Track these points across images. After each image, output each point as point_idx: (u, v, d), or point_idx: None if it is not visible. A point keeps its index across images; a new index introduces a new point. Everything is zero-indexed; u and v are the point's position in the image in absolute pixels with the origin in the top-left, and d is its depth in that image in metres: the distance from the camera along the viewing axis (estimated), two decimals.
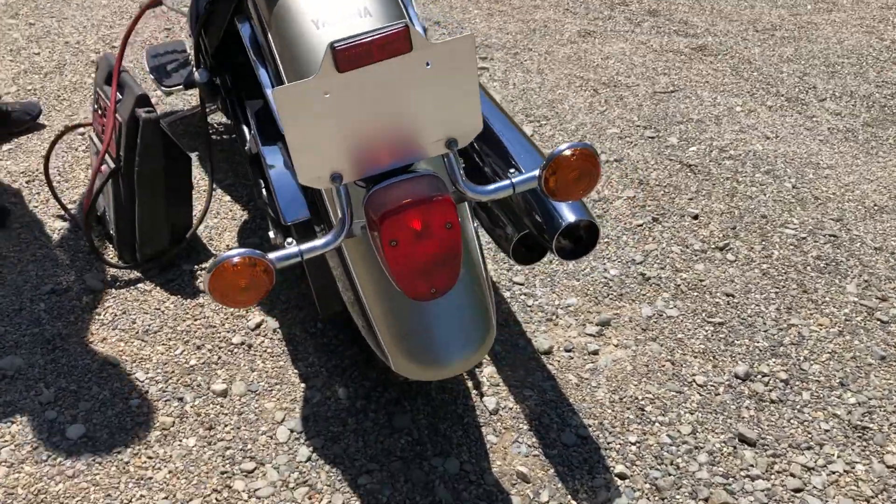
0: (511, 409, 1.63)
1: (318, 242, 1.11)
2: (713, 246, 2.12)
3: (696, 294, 1.96)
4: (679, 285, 1.99)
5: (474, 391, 1.67)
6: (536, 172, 1.16)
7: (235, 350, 1.70)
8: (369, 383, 1.65)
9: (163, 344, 1.71)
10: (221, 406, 1.58)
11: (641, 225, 2.20)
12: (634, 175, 2.40)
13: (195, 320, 1.77)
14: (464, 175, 1.15)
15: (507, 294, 1.93)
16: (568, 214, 1.35)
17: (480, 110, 1.11)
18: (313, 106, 1.01)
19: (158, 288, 1.85)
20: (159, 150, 1.75)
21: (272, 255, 1.08)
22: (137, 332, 1.73)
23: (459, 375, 1.70)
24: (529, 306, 1.90)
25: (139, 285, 1.87)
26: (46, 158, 2.00)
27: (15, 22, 3.39)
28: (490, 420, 1.61)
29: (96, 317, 1.78)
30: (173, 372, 1.64)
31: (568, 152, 1.14)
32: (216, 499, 1.41)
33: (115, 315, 1.78)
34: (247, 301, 1.06)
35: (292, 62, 1.26)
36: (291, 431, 1.54)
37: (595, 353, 1.78)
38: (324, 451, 1.51)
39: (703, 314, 1.90)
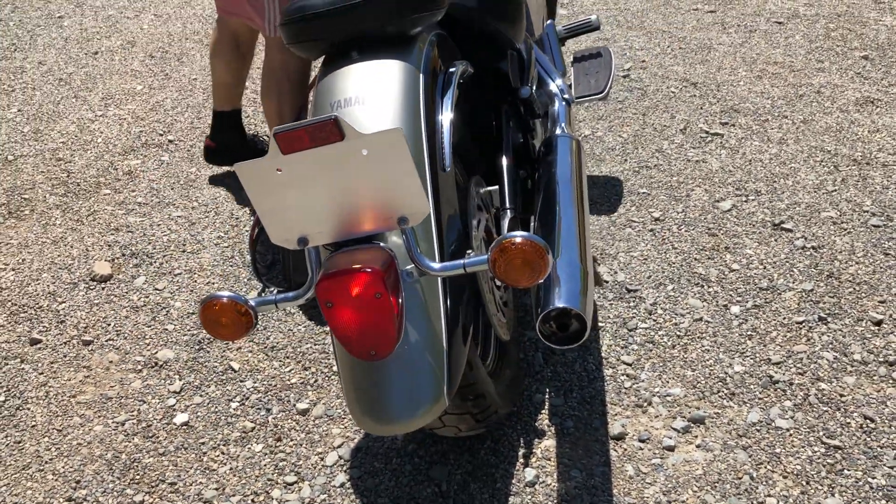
0: (549, 485, 1.66)
1: (290, 294, 1.31)
2: (882, 359, 1.87)
3: (825, 409, 1.76)
4: (810, 396, 1.80)
5: (522, 459, 1.72)
6: (487, 255, 1.24)
7: (332, 377, 1.96)
8: (427, 431, 1.79)
9: (280, 360, 2.03)
10: (297, 422, 1.85)
11: (802, 323, 2.01)
12: (826, 266, 2.19)
13: (315, 344, 2.07)
14: (420, 250, 1.27)
15: (608, 372, 1.93)
16: (558, 300, 1.39)
17: (424, 193, 1.23)
18: (270, 180, 1.22)
19: (300, 312, 2.19)
20: None
21: (252, 301, 1.30)
22: (265, 347, 2.08)
23: (514, 440, 1.76)
24: (626, 388, 1.88)
25: (286, 306, 2.23)
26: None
27: None
28: (522, 491, 1.65)
29: None
30: (275, 385, 1.95)
31: (518, 240, 1.21)
32: (253, 500, 1.67)
33: (258, 330, 2.15)
34: (227, 336, 1.29)
35: None
36: (340, 458, 1.75)
37: (670, 448, 1.72)
38: (358, 481, 1.69)
39: (822, 433, 1.71)
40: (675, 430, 1.76)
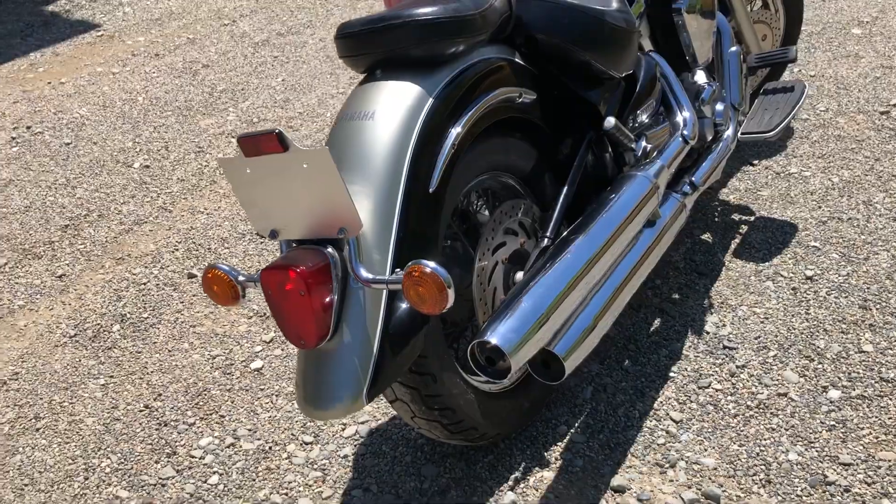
0: None
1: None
2: None
3: None
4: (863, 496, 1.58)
5: (511, 482, 1.74)
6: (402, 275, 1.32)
7: None
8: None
9: None
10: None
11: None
12: None
13: None
14: (360, 260, 1.39)
15: (650, 423, 1.85)
16: (489, 332, 1.42)
17: (354, 210, 1.34)
18: (242, 176, 1.41)
19: None
20: None
21: (242, 277, 1.50)
22: None
23: (515, 463, 1.78)
24: (657, 444, 1.79)
25: None
26: None
27: None
28: None
29: None
30: None
31: (427, 269, 1.29)
32: (271, 447, 1.90)
33: None
34: (218, 301, 1.48)
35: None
36: (357, 432, 1.91)
37: None
38: (360, 458, 1.84)
39: None
40: (681, 499, 1.66)
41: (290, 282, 1.35)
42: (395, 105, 1.50)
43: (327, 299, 1.39)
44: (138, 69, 4.22)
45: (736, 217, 2.57)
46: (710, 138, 2.30)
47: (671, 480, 1.71)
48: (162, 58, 4.34)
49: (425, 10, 1.52)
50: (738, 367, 1.97)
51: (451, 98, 1.54)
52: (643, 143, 2.02)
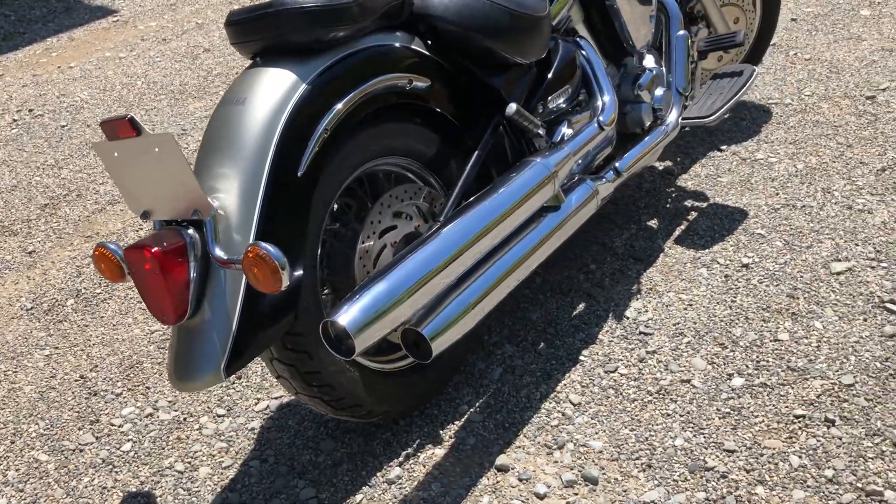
0: (403, 488, 1.73)
1: None
2: (866, 493, 1.57)
3: None
4: (730, 496, 1.59)
5: (402, 458, 1.80)
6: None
7: None
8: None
9: None
10: (262, 365, 2.12)
11: (800, 418, 1.74)
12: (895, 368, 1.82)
13: None
14: (216, 239, 1.46)
15: (548, 405, 1.88)
16: (340, 311, 1.48)
17: (201, 193, 1.41)
18: (112, 159, 1.49)
19: None
20: None
21: (122, 252, 1.59)
22: None
23: (410, 439, 1.84)
24: (551, 426, 1.83)
25: None
26: None
27: None
28: (379, 485, 1.75)
29: None
30: None
31: (262, 251, 1.36)
32: (186, 419, 2.00)
33: None
34: (106, 277, 1.55)
35: None
36: (268, 407, 1.99)
37: (540, 496, 1.67)
38: (265, 431, 1.93)
39: None
40: (560, 480, 1.69)
41: (147, 261, 1.44)
42: (267, 91, 1.56)
43: (184, 278, 1.46)
44: (143, 54, 4.39)
45: (689, 203, 2.56)
46: (648, 123, 2.31)
47: (556, 462, 1.75)
48: (168, 42, 4.50)
49: (299, 1, 1.57)
50: (648, 352, 1.99)
51: (326, 84, 1.59)
52: (561, 129, 2.04)
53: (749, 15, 2.89)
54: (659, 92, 2.32)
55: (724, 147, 2.85)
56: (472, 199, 1.77)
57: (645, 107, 2.29)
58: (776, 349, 1.94)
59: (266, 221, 1.51)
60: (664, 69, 2.40)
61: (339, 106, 1.59)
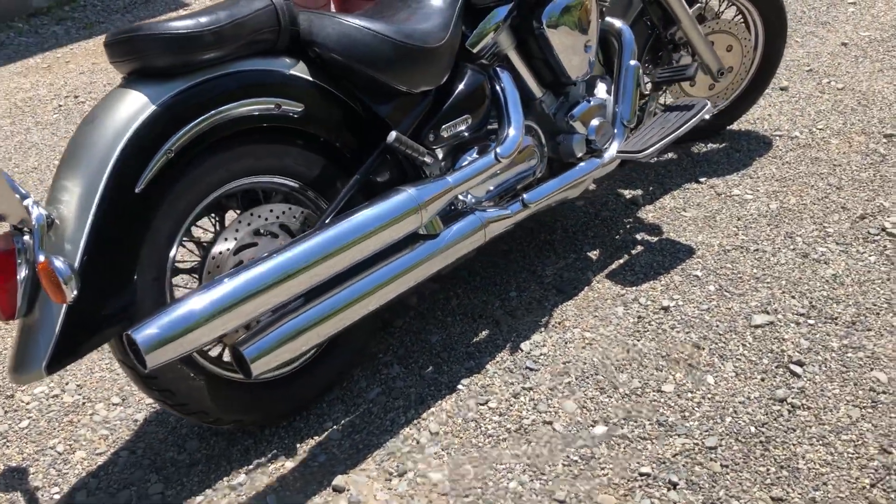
0: (242, 495, 1.78)
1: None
2: None
3: None
4: None
5: (252, 466, 1.86)
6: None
7: None
8: None
9: None
10: None
11: (640, 476, 1.67)
12: (770, 435, 1.72)
13: None
14: (42, 247, 1.56)
15: (407, 430, 1.89)
16: (141, 325, 1.55)
17: (17, 202, 1.51)
18: None
19: None
20: None
21: None
22: None
23: (264, 449, 1.89)
24: (400, 452, 1.84)
25: None
26: None
27: None
28: (221, 488, 1.81)
29: None
30: None
31: (46, 264, 1.47)
32: (90, 395, 2.13)
33: None
34: None
35: None
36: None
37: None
38: (146, 423, 2.03)
39: None
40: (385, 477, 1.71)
41: None
42: (117, 111, 1.65)
43: (12, 280, 1.58)
44: None
45: (640, 236, 2.49)
46: (580, 154, 2.26)
47: (390, 489, 1.76)
48: None
49: (165, 25, 1.64)
50: (525, 388, 1.96)
51: (177, 107, 1.66)
52: (461, 157, 2.04)
53: (745, 43, 2.75)
54: (595, 122, 2.27)
55: (703, 179, 2.74)
56: (318, 225, 1.81)
57: (577, 137, 2.25)
58: (654, 400, 1.88)
59: (96, 233, 1.60)
60: (612, 99, 2.34)
61: (188, 127, 1.66)
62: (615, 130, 2.33)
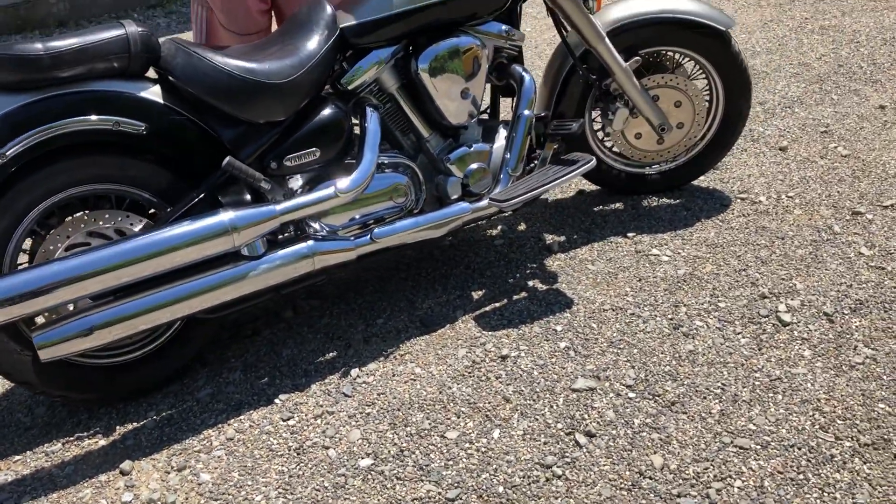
0: (48, 462, 2.02)
1: None
2: None
3: None
4: None
5: (73, 437, 2.09)
6: None
7: None
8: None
9: None
10: None
11: None
12: None
13: None
14: None
15: (210, 432, 2.05)
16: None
17: None
18: None
19: None
20: None
21: None
22: None
23: (90, 424, 2.12)
24: (190, 451, 2.00)
25: None
26: None
27: None
28: (37, 453, 2.06)
29: None
30: None
31: None
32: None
33: None
34: None
35: None
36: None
37: None
38: (75, 411, 2.32)
39: None
40: (150, 497, 1.88)
41: None
42: None
43: None
44: None
45: (531, 283, 2.52)
46: (454, 196, 2.34)
47: (164, 481, 1.94)
48: None
49: (17, 47, 1.89)
50: (328, 412, 2.09)
51: (16, 117, 1.90)
52: (295, 184, 2.20)
53: (696, 100, 2.69)
54: (473, 167, 2.34)
55: (631, 234, 2.72)
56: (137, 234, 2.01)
57: (452, 180, 2.34)
58: (431, 444, 1.95)
59: None
60: (501, 145, 2.41)
61: (24, 136, 1.90)
62: (501, 177, 2.38)
